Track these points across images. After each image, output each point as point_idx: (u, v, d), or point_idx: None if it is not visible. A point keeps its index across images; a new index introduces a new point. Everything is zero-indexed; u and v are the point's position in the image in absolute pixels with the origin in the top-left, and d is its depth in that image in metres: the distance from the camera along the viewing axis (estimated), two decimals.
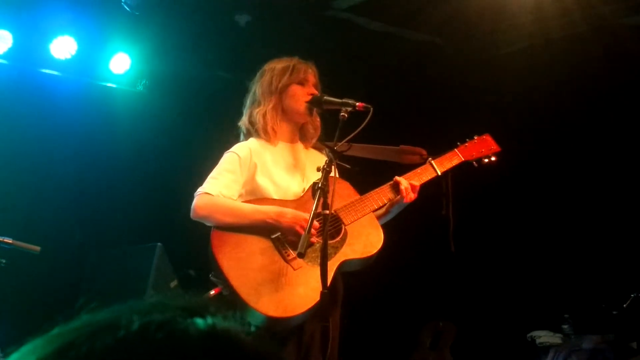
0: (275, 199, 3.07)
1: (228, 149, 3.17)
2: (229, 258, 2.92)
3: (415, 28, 5.61)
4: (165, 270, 4.43)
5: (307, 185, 3.11)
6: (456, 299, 5.97)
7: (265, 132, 3.16)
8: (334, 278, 2.95)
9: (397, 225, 3.31)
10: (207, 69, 5.62)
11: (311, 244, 2.87)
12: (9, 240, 3.58)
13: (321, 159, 3.02)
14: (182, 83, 5.52)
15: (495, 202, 6.02)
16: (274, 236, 2.99)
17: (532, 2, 4.97)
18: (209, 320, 0.64)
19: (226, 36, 5.26)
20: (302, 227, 2.88)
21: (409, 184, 3.17)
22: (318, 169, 2.87)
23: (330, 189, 2.78)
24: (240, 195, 3.08)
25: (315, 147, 3.30)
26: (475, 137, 3.52)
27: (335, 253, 2.99)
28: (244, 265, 2.91)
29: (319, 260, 2.76)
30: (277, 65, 3.23)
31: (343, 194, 3.10)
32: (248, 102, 3.26)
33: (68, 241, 5.15)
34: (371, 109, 2.93)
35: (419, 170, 3.28)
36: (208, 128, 5.28)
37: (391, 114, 4.73)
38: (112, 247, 4.99)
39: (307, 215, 2.82)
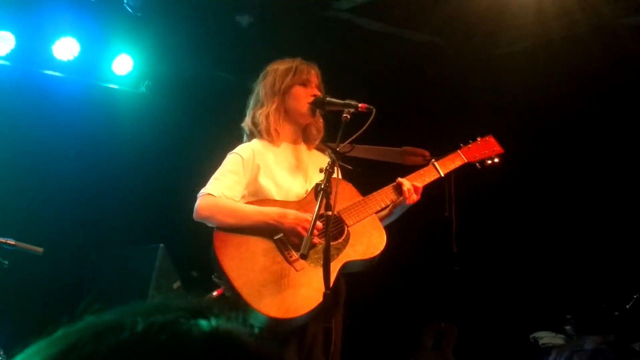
0: (277, 200, 3.07)
1: (230, 149, 3.17)
2: (232, 259, 2.92)
3: (416, 28, 5.61)
4: (167, 272, 4.42)
5: (310, 186, 3.11)
6: (458, 300, 5.96)
7: (268, 133, 3.16)
8: (337, 279, 2.95)
9: (399, 227, 3.31)
10: (208, 69, 5.62)
11: (314, 245, 2.87)
12: (12, 241, 3.58)
13: (324, 160, 3.01)
14: (184, 84, 5.52)
15: (497, 203, 6.01)
16: (276, 237, 2.99)
17: (532, 2, 4.96)
18: (212, 321, 0.64)
19: (228, 37, 5.26)
20: (304, 228, 2.88)
21: (412, 185, 3.16)
22: (321, 170, 2.87)
23: (333, 190, 2.78)
24: (243, 197, 3.08)
25: (318, 149, 3.30)
26: (479, 139, 3.49)
27: (337, 254, 2.98)
28: (246, 266, 2.92)
29: (321, 262, 2.76)
30: (280, 66, 3.23)
31: (346, 195, 3.10)
32: (251, 103, 3.26)
33: (70, 242, 5.15)
34: (374, 110, 2.93)
35: (421, 171, 3.27)
36: (210, 129, 5.28)
37: (391, 114, 4.72)
38: (115, 248, 4.99)
39: (309, 217, 2.82)
